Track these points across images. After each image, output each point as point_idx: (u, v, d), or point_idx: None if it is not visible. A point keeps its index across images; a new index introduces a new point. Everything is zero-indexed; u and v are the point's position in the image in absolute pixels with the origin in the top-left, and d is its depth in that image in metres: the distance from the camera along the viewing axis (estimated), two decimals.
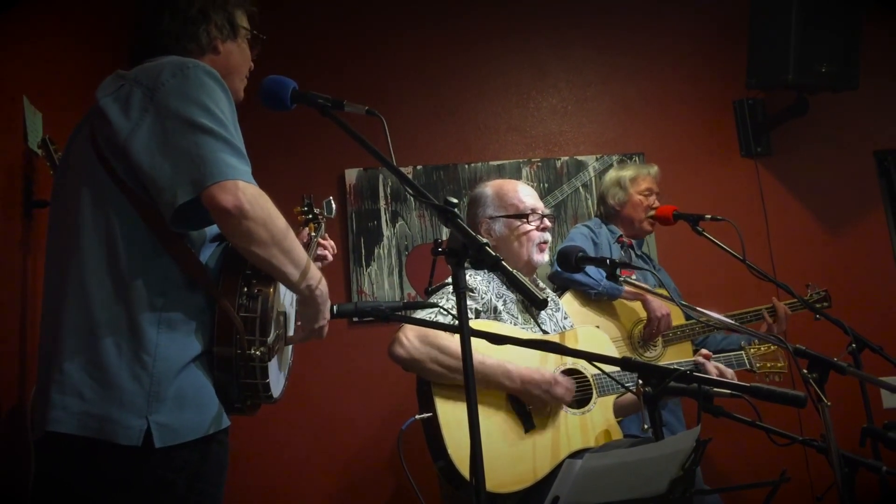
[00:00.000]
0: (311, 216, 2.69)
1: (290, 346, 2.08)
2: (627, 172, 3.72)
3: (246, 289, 1.75)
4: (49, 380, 1.68)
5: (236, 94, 2.06)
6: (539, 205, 2.92)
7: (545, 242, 2.88)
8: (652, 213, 3.61)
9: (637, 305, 3.44)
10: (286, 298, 1.95)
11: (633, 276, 3.38)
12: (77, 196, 1.77)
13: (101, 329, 1.67)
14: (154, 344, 1.66)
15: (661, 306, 3.34)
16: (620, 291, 3.36)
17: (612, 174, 3.78)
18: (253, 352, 1.71)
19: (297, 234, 2.52)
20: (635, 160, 4.27)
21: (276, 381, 1.89)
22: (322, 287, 1.86)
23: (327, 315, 1.90)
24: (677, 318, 3.46)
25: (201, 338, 1.73)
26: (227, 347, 1.72)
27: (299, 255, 1.78)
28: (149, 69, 1.77)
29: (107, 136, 1.73)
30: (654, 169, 3.73)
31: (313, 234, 2.57)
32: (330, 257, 2.58)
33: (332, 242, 2.61)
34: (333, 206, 2.73)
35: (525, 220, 2.86)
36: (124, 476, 1.65)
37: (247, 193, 1.65)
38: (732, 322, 2.65)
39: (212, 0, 1.97)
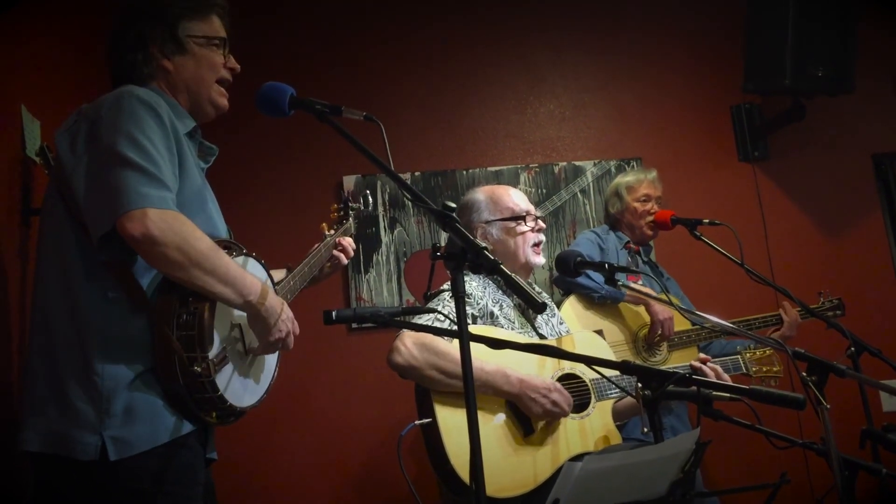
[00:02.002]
0: (342, 213, 2.71)
1: (270, 356, 2.07)
2: (625, 180, 3.77)
3: (184, 307, 1.79)
4: (23, 399, 1.83)
5: (212, 103, 2.08)
6: (531, 207, 2.97)
7: (539, 244, 2.91)
8: (650, 218, 3.62)
9: (641, 309, 3.45)
10: None
11: (640, 282, 3.39)
12: (45, 223, 1.92)
13: (57, 350, 1.79)
14: (100, 364, 1.76)
15: (663, 310, 3.35)
16: (623, 295, 3.37)
17: (613, 182, 3.84)
18: (195, 368, 1.75)
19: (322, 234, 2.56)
20: (633, 165, 4.28)
21: (239, 391, 1.90)
22: (267, 301, 1.88)
23: (283, 328, 1.93)
24: (683, 324, 3.47)
25: (145, 356, 1.79)
26: (168, 368, 1.77)
27: (227, 272, 1.81)
28: (97, 102, 1.86)
29: (59, 169, 1.85)
30: (653, 174, 3.75)
31: (328, 233, 2.58)
32: (344, 260, 2.61)
33: (350, 241, 2.64)
34: (370, 199, 2.77)
35: (522, 221, 2.88)
36: (94, 489, 1.75)
37: (155, 220, 1.71)
38: (732, 325, 2.64)
39: (148, 20, 2.01)
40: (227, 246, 1.93)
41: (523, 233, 2.88)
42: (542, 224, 2.94)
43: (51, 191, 1.92)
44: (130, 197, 1.71)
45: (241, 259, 1.94)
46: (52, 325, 1.82)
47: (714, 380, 2.78)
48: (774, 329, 3.51)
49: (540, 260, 2.91)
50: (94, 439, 1.73)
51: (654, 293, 3.21)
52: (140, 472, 1.75)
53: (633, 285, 3.15)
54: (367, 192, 2.76)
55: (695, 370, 2.81)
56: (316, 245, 2.52)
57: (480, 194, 2.98)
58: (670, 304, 2.67)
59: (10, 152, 2.34)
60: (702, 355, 2.93)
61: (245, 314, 1.92)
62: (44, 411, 1.78)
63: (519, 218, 2.89)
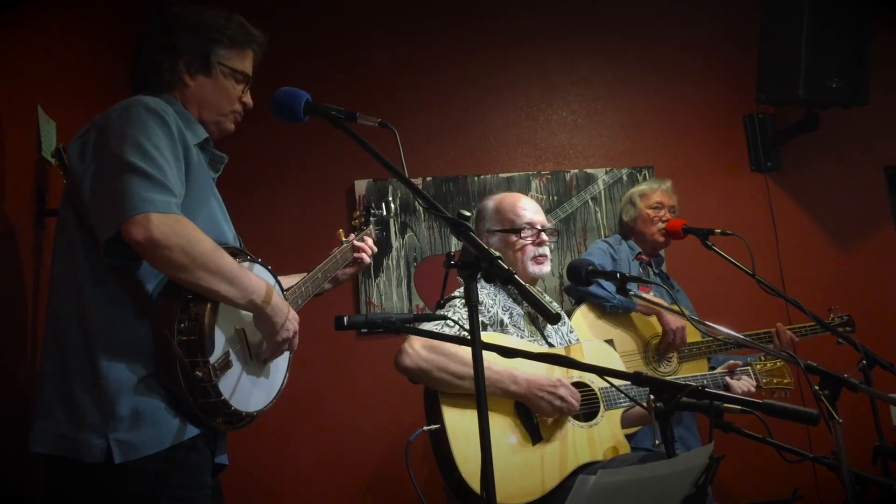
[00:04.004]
0: (363, 219, 2.73)
1: (281, 360, 2.08)
2: (639, 188, 3.78)
3: (185, 312, 1.81)
4: (34, 403, 1.86)
5: (218, 126, 2.11)
6: (538, 218, 2.92)
7: (542, 255, 2.88)
8: (662, 225, 3.62)
9: (653, 319, 3.44)
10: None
11: (651, 293, 3.38)
12: (58, 228, 1.96)
13: (66, 355, 1.82)
14: (105, 368, 1.78)
15: (675, 320, 3.35)
16: (634, 305, 3.36)
17: (627, 192, 3.84)
18: (196, 373, 1.77)
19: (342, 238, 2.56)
20: (645, 174, 4.29)
21: (245, 396, 1.91)
22: (272, 300, 1.90)
23: (290, 327, 1.95)
24: (694, 336, 3.46)
25: (150, 360, 1.82)
26: (170, 373, 1.80)
27: (231, 272, 1.83)
28: (108, 111, 1.90)
29: (70, 177, 1.90)
30: (667, 183, 3.76)
31: (345, 239, 2.59)
32: (367, 259, 2.61)
33: (370, 243, 2.64)
34: (392, 206, 2.79)
35: (518, 234, 2.86)
36: (100, 492, 1.78)
37: (157, 224, 1.73)
38: (744, 338, 2.63)
39: (186, 33, 2.05)
40: (234, 253, 1.95)
41: (522, 247, 2.86)
42: (543, 237, 2.90)
43: (64, 197, 1.96)
44: (135, 202, 1.74)
45: (247, 265, 1.96)
46: (62, 329, 1.85)
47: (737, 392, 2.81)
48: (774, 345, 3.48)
49: (542, 270, 2.88)
50: (100, 442, 1.75)
51: (665, 304, 3.20)
52: (146, 475, 1.78)
53: (644, 296, 3.15)
54: (389, 199, 2.79)
55: (731, 368, 2.88)
56: (333, 250, 2.52)
57: (491, 202, 2.97)
58: (682, 314, 2.66)
59: (26, 153, 2.35)
60: (732, 361, 2.93)
61: (251, 318, 1.93)
62: (52, 413, 1.81)
63: (515, 231, 2.87)
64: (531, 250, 2.86)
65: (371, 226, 2.73)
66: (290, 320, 1.95)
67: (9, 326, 2.22)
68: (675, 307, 3.20)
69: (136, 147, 1.80)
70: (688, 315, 2.71)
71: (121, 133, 1.82)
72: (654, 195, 3.70)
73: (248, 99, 2.15)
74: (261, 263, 2.02)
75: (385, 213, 2.81)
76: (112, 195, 1.77)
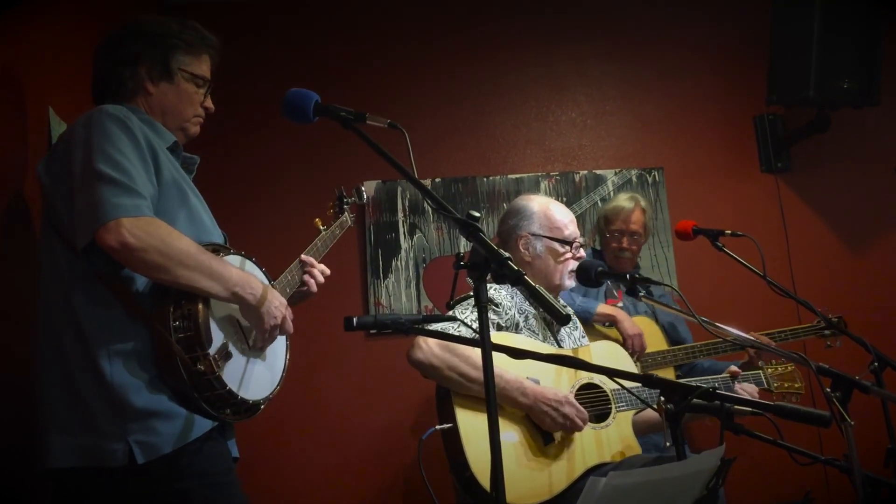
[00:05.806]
0: (337, 209, 2.72)
1: (279, 345, 2.09)
2: (607, 207, 3.77)
3: (178, 310, 1.83)
4: (41, 419, 1.86)
5: (183, 130, 2.14)
6: (578, 233, 2.96)
7: (573, 271, 2.90)
8: (620, 254, 3.64)
9: (611, 331, 3.42)
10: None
11: (619, 304, 3.39)
12: (40, 243, 1.99)
13: (71, 366, 1.83)
14: (109, 374, 1.79)
15: (632, 326, 3.35)
16: (592, 314, 3.36)
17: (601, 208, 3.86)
18: (198, 367, 1.79)
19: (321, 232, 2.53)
20: (654, 175, 4.28)
21: (249, 384, 1.93)
22: (255, 289, 1.91)
23: (277, 314, 1.96)
24: (658, 345, 3.45)
25: (149, 362, 1.83)
26: (173, 371, 1.81)
27: (211, 267, 1.85)
28: (73, 124, 1.93)
29: (42, 192, 1.94)
30: (631, 205, 3.71)
31: (323, 228, 2.58)
32: (314, 287, 2.34)
33: (323, 267, 2.39)
34: (364, 193, 2.80)
35: (569, 247, 2.88)
36: (131, 492, 1.80)
37: (130, 228, 1.76)
38: (754, 339, 2.62)
39: (145, 42, 2.08)
40: (217, 249, 1.97)
41: (566, 260, 2.87)
42: (582, 252, 2.93)
43: (42, 217, 1.99)
44: (105, 209, 1.76)
45: (237, 259, 1.99)
46: (58, 338, 1.86)
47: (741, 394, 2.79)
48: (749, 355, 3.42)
49: (572, 284, 2.90)
50: (120, 446, 1.77)
51: (623, 313, 3.21)
52: (171, 470, 1.80)
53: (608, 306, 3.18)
54: (362, 186, 2.79)
55: (732, 374, 2.85)
56: (314, 241, 2.52)
57: (535, 205, 2.94)
58: (695, 317, 2.63)
59: (38, 154, 2.36)
60: (733, 368, 2.91)
61: (238, 308, 1.95)
62: (67, 427, 1.81)
63: (567, 243, 2.88)
64: (572, 265, 2.88)
65: (346, 213, 2.72)
66: (275, 307, 1.96)
67: (23, 332, 2.23)
68: (640, 318, 3.19)
69: (102, 154, 1.82)
70: (698, 318, 2.68)
71: (85, 143, 1.85)
72: (617, 221, 3.70)
73: (209, 104, 2.18)
74: (245, 256, 2.04)
75: (358, 199, 2.80)
76: (83, 204, 1.80)
